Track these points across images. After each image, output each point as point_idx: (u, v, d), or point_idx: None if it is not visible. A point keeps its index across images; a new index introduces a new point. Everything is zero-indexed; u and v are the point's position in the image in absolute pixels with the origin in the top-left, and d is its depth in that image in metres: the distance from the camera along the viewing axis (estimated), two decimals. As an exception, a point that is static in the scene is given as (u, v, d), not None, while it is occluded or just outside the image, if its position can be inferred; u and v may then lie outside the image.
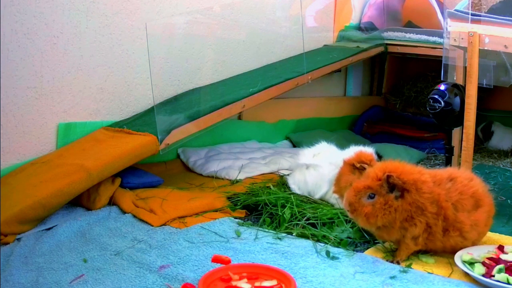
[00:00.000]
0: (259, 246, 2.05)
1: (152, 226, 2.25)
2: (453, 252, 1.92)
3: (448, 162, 2.82)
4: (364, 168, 2.39)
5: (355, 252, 2.01)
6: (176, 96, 3.20)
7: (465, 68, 2.60)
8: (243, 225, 2.29)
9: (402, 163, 1.96)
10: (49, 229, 2.19)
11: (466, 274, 1.78)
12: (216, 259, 1.88)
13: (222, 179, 2.99)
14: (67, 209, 2.41)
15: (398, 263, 1.92)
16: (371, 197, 1.89)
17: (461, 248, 1.93)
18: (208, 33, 3.38)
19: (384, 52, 4.24)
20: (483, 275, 1.73)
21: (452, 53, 2.74)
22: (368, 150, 2.52)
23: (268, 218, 2.34)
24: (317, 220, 2.29)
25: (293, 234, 2.18)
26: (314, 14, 4.16)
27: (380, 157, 2.53)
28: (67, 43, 2.65)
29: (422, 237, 1.90)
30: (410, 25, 4.52)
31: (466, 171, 2.11)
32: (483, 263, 1.80)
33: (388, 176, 1.86)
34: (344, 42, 4.33)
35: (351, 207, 1.91)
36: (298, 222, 2.27)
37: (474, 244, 1.98)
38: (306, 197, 2.59)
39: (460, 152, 2.67)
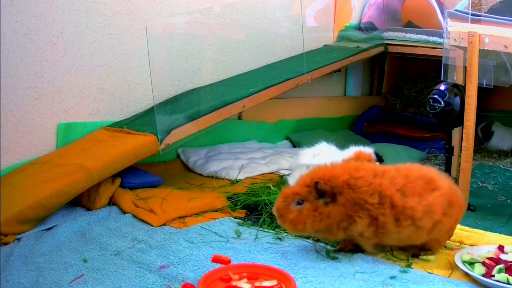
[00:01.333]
0: (259, 246, 2.05)
1: (152, 226, 2.25)
2: (412, 246, 1.91)
3: (448, 162, 2.82)
4: None
5: (355, 252, 2.01)
6: (176, 96, 3.20)
7: (465, 68, 2.60)
8: (243, 225, 2.29)
9: (334, 166, 1.93)
10: (49, 229, 2.19)
11: (466, 274, 1.78)
12: (216, 259, 1.88)
13: (222, 179, 2.99)
14: (67, 209, 2.41)
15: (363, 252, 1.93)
16: (299, 203, 1.87)
17: (419, 243, 1.90)
18: (208, 33, 3.38)
19: (384, 52, 4.24)
20: (483, 275, 1.73)
21: (452, 53, 2.74)
22: (367, 150, 2.52)
23: (268, 218, 2.34)
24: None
25: (293, 234, 2.18)
26: (314, 14, 4.16)
27: (379, 157, 2.53)
28: (67, 43, 2.65)
29: (369, 231, 1.86)
30: (410, 25, 4.52)
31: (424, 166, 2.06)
32: (483, 263, 1.80)
33: (316, 183, 1.84)
34: (344, 42, 4.33)
35: (278, 212, 1.90)
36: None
37: (437, 239, 1.92)
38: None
39: (460, 152, 2.67)
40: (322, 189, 1.85)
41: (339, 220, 1.85)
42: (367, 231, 1.87)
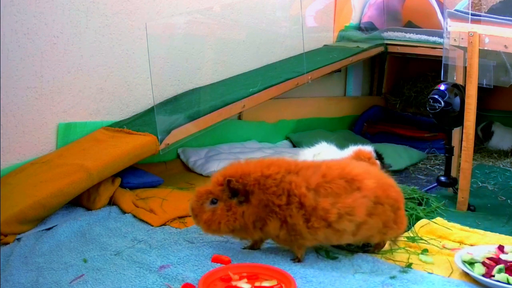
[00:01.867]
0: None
1: (152, 226, 2.25)
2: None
3: (448, 162, 2.82)
4: None
5: (355, 252, 2.01)
6: (176, 96, 3.20)
7: (465, 68, 2.60)
8: (243, 225, 2.29)
9: (247, 163, 1.86)
10: (49, 229, 2.19)
11: (466, 274, 1.78)
12: (216, 259, 1.88)
13: (222, 179, 2.99)
14: (67, 209, 2.41)
15: (298, 260, 1.88)
16: (213, 202, 1.82)
17: (345, 243, 1.84)
18: (208, 33, 3.38)
19: (384, 52, 4.24)
20: (483, 275, 1.73)
21: (452, 53, 2.74)
22: (367, 148, 2.53)
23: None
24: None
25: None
26: (314, 14, 4.16)
27: (379, 155, 2.53)
28: (67, 43, 2.65)
29: (283, 233, 1.80)
30: (410, 25, 4.52)
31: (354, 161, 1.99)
32: (483, 263, 1.80)
33: (228, 181, 1.78)
34: (344, 42, 4.33)
35: (192, 212, 1.85)
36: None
37: (378, 237, 1.87)
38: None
39: (460, 152, 2.67)
40: (234, 188, 1.79)
41: (254, 220, 1.80)
42: (281, 233, 1.81)
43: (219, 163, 3.12)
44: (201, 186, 1.87)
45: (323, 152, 2.74)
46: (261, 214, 1.79)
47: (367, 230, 1.84)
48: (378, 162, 2.47)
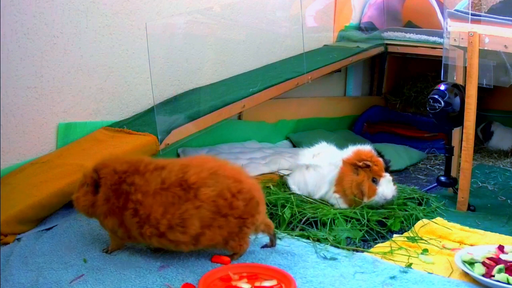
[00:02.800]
0: (259, 246, 2.05)
1: (152, 226, 2.25)
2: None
3: (448, 162, 2.82)
4: (368, 166, 2.40)
5: (355, 252, 2.01)
6: (176, 96, 3.20)
7: (465, 68, 2.60)
8: (243, 225, 2.28)
9: (122, 157, 1.87)
10: (49, 229, 2.19)
11: (466, 274, 1.78)
12: (216, 259, 1.88)
13: (222, 179, 2.99)
14: (67, 209, 2.40)
15: (107, 252, 1.91)
16: (84, 185, 1.88)
17: (188, 251, 1.81)
18: (208, 33, 3.38)
19: (384, 52, 4.24)
20: (483, 275, 1.73)
21: (452, 53, 2.74)
22: (366, 148, 2.53)
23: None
24: (316, 219, 2.29)
25: (293, 234, 2.18)
26: (314, 14, 4.16)
27: (379, 153, 2.53)
28: (67, 43, 2.65)
29: (120, 231, 1.83)
30: (410, 25, 4.52)
31: (208, 157, 1.92)
32: (483, 263, 1.80)
33: (93, 170, 1.84)
34: (344, 42, 4.33)
35: (72, 197, 1.91)
36: (298, 224, 2.27)
37: (233, 243, 1.80)
38: (306, 197, 2.59)
39: (460, 152, 2.67)
40: (90, 177, 1.85)
41: (101, 212, 1.84)
42: (119, 231, 1.83)
43: (219, 163, 3.12)
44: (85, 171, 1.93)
45: (323, 152, 2.74)
46: (105, 207, 1.83)
47: (209, 240, 1.78)
48: (381, 159, 2.47)
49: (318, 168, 2.64)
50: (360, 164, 2.41)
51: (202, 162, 1.82)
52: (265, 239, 2.13)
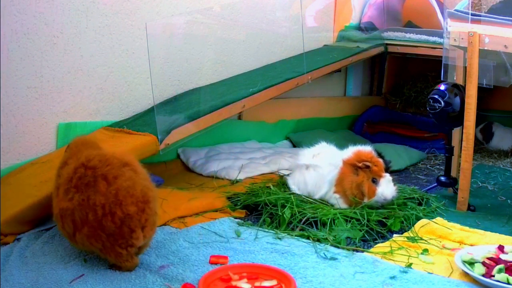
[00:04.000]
0: (259, 246, 2.05)
1: (152, 226, 2.25)
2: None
3: (448, 162, 2.82)
4: (368, 166, 2.40)
5: (355, 252, 2.01)
6: (176, 96, 3.20)
7: (465, 68, 2.60)
8: (243, 225, 2.29)
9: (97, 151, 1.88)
10: (49, 229, 2.19)
11: (466, 274, 1.78)
12: (213, 261, 1.88)
13: (222, 179, 2.99)
14: (67, 209, 2.41)
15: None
16: None
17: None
18: (208, 33, 3.38)
19: (384, 52, 4.24)
20: (483, 275, 1.73)
21: (452, 53, 2.74)
22: (366, 148, 2.53)
23: (268, 218, 2.34)
24: (316, 219, 2.29)
25: (293, 234, 2.18)
26: (314, 14, 4.16)
27: (379, 153, 2.53)
28: (67, 43, 2.65)
29: None
30: (410, 25, 4.52)
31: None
32: (483, 263, 1.80)
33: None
34: (344, 42, 4.33)
35: None
36: (297, 224, 2.27)
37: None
38: (306, 197, 2.59)
39: (460, 152, 2.67)
40: None
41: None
42: None
43: (219, 163, 3.12)
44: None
45: (322, 153, 2.74)
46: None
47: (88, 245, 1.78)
48: (381, 160, 2.47)
49: (318, 168, 2.64)
50: (360, 165, 2.41)
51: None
52: (266, 239, 2.13)
